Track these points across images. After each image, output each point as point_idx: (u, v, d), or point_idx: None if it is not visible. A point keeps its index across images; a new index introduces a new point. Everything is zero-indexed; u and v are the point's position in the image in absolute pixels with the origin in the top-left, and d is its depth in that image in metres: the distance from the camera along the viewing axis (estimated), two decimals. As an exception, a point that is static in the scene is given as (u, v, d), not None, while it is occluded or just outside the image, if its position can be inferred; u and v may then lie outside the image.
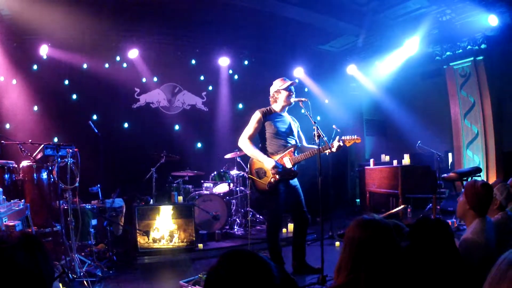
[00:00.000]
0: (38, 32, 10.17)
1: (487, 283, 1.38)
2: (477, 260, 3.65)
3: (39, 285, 2.08)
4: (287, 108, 6.87)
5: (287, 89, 6.69)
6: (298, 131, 7.05)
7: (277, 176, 6.44)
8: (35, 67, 10.79)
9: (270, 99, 6.88)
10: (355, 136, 6.51)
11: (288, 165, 6.52)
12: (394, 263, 2.61)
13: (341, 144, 6.42)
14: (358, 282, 2.53)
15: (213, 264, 1.56)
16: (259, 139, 6.80)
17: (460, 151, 12.45)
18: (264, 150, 6.66)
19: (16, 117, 10.25)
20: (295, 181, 6.77)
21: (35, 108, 10.65)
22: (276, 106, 6.81)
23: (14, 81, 10.34)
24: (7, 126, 10.08)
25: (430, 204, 10.60)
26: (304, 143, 7.07)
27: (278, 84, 6.77)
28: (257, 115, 6.69)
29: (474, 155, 12.07)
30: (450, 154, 13.33)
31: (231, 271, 1.48)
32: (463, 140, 12.34)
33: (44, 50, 10.52)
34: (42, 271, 2.13)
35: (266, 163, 6.46)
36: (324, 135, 6.18)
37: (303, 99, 6.55)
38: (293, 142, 6.77)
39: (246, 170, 7.07)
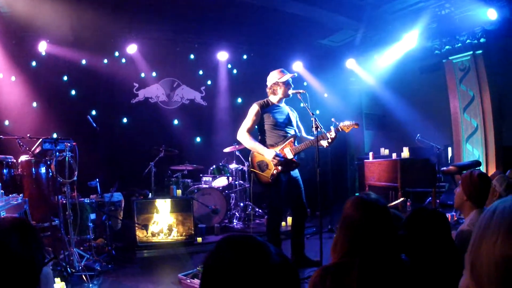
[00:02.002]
0: (37, 29, 10.20)
1: (474, 235, 1.36)
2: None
3: (30, 269, 2.08)
4: (284, 99, 6.85)
5: (286, 83, 6.66)
6: (297, 121, 7.02)
7: (279, 168, 6.43)
8: (34, 63, 10.82)
9: (268, 91, 6.84)
10: (353, 121, 6.45)
11: (289, 155, 6.51)
12: (390, 248, 2.60)
13: (340, 129, 6.37)
14: (352, 263, 2.52)
15: (211, 249, 1.55)
16: (257, 132, 6.80)
17: (459, 145, 12.42)
18: (263, 142, 6.65)
19: (15, 113, 10.26)
20: (296, 173, 6.77)
21: (34, 104, 10.67)
22: (273, 98, 6.78)
23: (13, 78, 10.35)
24: (6, 122, 10.09)
25: (430, 198, 10.59)
26: (304, 134, 7.04)
27: (276, 76, 6.71)
28: (254, 108, 6.67)
29: (474, 149, 12.04)
30: (449, 148, 13.30)
31: (230, 254, 1.46)
32: (463, 134, 12.31)
33: (42, 47, 10.57)
34: (33, 256, 2.12)
35: (266, 154, 6.44)
36: (322, 127, 6.15)
37: (301, 91, 6.51)
38: (292, 132, 6.75)
39: (246, 164, 7.06)
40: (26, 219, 2.88)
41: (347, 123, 6.42)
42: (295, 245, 6.82)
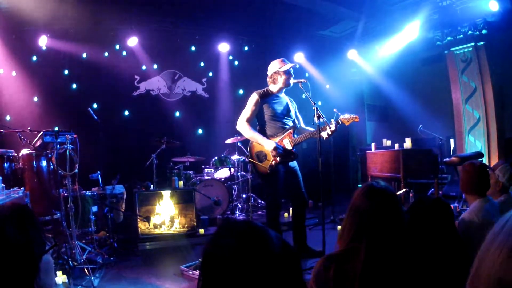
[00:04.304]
0: (37, 23, 10.18)
1: (483, 245, 1.30)
2: (475, 240, 3.64)
3: (28, 257, 2.06)
4: (284, 89, 6.82)
5: (287, 72, 6.62)
6: (295, 112, 7.00)
7: (278, 159, 6.40)
8: (34, 58, 10.83)
9: (268, 80, 6.80)
10: (353, 114, 6.44)
11: (288, 146, 6.49)
12: (397, 235, 2.56)
13: (339, 122, 6.36)
14: (357, 251, 2.49)
15: (210, 236, 1.53)
16: (256, 122, 6.78)
17: (461, 137, 12.38)
18: (262, 132, 6.62)
19: (17, 108, 10.28)
20: (294, 163, 6.75)
21: (35, 99, 10.70)
22: (273, 87, 6.74)
23: (14, 73, 10.37)
24: (8, 117, 10.11)
25: (432, 189, 10.57)
26: (302, 125, 7.03)
27: (277, 66, 6.67)
28: (254, 97, 6.65)
29: (476, 141, 12.01)
30: (452, 140, 13.28)
31: (229, 239, 1.44)
32: (465, 125, 12.27)
33: (43, 41, 10.56)
34: (31, 243, 2.10)
35: (266, 145, 6.41)
36: (323, 116, 6.12)
37: (302, 80, 6.47)
38: (291, 123, 6.74)
39: (247, 154, 7.03)
40: (26, 206, 2.85)
41: (347, 116, 6.41)
42: (297, 235, 6.81)
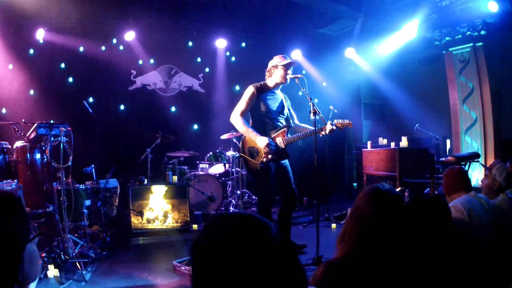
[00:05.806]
0: (35, 17, 10.19)
1: None
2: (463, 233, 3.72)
3: (12, 244, 2.01)
4: (281, 86, 6.76)
5: (285, 67, 6.56)
6: (289, 109, 6.94)
7: (270, 156, 6.34)
8: (31, 51, 10.79)
9: (266, 73, 6.72)
10: (347, 120, 6.40)
11: (281, 146, 6.42)
12: (401, 240, 2.51)
13: (334, 127, 6.29)
14: (360, 257, 2.42)
15: (204, 225, 1.48)
16: (250, 117, 6.71)
17: (458, 137, 12.39)
18: (255, 128, 6.51)
19: (13, 101, 10.26)
20: (285, 160, 6.69)
21: (32, 92, 10.65)
22: (270, 82, 6.67)
23: (11, 66, 10.33)
24: (4, 110, 10.09)
25: (428, 189, 10.55)
26: (296, 121, 6.98)
27: (277, 60, 6.60)
28: (250, 90, 6.55)
29: (473, 141, 12.01)
30: (448, 141, 13.27)
31: (225, 230, 1.39)
32: (462, 125, 12.28)
33: (40, 35, 10.56)
34: (15, 231, 2.06)
35: (259, 141, 6.31)
36: (319, 112, 6.08)
37: (299, 75, 6.41)
38: (284, 122, 6.69)
39: (238, 148, 6.97)
40: (12, 194, 2.82)
41: (340, 121, 6.38)
42: (282, 231, 6.74)
